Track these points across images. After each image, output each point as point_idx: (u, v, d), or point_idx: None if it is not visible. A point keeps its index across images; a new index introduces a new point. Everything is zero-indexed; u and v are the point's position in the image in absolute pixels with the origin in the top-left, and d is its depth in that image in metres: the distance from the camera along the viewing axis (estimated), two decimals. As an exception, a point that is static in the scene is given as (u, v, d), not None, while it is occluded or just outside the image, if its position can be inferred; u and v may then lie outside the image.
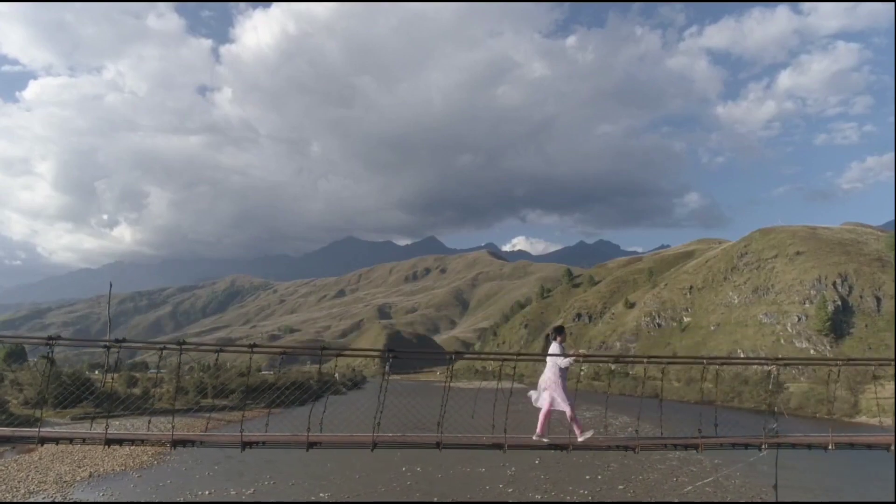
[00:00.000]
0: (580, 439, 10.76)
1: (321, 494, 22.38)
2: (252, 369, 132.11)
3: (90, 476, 25.65)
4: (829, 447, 11.75)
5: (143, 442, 11.90)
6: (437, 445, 10.84)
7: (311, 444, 10.54)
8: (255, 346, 11.44)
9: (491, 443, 11.10)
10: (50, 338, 10.96)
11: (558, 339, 11.30)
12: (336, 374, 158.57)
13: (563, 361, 10.93)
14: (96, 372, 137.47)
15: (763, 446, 11.80)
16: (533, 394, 11.22)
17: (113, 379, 52.77)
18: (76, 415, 42.98)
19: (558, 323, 11.86)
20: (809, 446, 12.05)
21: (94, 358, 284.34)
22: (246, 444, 10.83)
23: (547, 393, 10.97)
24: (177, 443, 11.27)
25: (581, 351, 12.24)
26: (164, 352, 12.24)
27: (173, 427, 11.04)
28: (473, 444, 11.53)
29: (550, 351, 11.02)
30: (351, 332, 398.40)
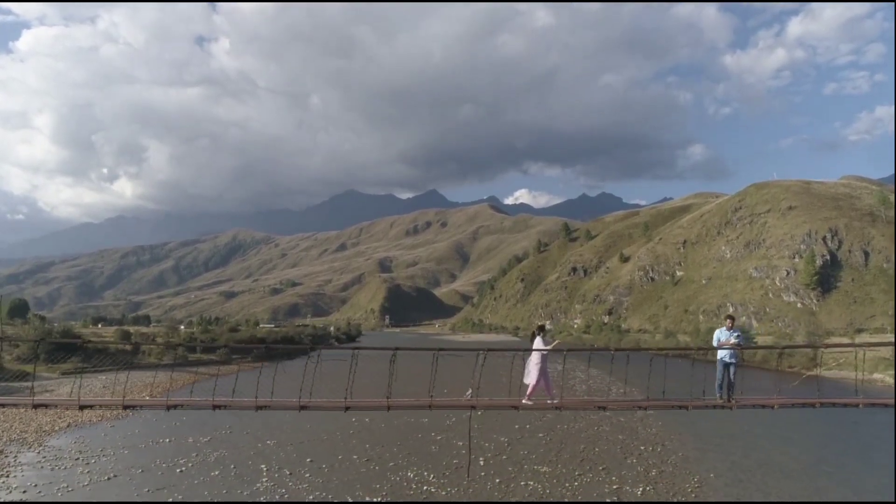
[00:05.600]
0: (549, 402, 13.87)
1: (268, 442, 24.05)
2: (250, 322, 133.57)
3: (68, 426, 27.24)
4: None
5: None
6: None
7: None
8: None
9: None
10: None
11: (541, 334, 14.18)
12: (332, 328, 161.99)
13: (545, 350, 13.93)
14: (99, 325, 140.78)
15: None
16: (526, 374, 14.24)
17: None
18: (66, 370, 44.61)
19: (541, 323, 15.96)
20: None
21: (98, 312, 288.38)
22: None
23: (533, 372, 13.88)
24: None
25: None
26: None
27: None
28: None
29: (535, 344, 13.88)
30: (352, 285, 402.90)
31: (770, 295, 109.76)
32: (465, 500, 16.37)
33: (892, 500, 15.90)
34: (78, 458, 21.57)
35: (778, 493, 18.32)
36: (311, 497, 17.38)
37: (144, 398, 28.03)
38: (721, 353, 13.51)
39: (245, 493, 17.68)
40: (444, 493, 17.85)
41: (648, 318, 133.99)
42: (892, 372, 44.88)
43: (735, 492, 18.42)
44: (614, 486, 18.62)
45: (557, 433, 26.49)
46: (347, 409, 12.67)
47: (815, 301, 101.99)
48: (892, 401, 13.17)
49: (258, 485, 18.58)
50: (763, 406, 13.13)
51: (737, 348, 13.49)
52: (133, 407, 12.65)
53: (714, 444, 24.95)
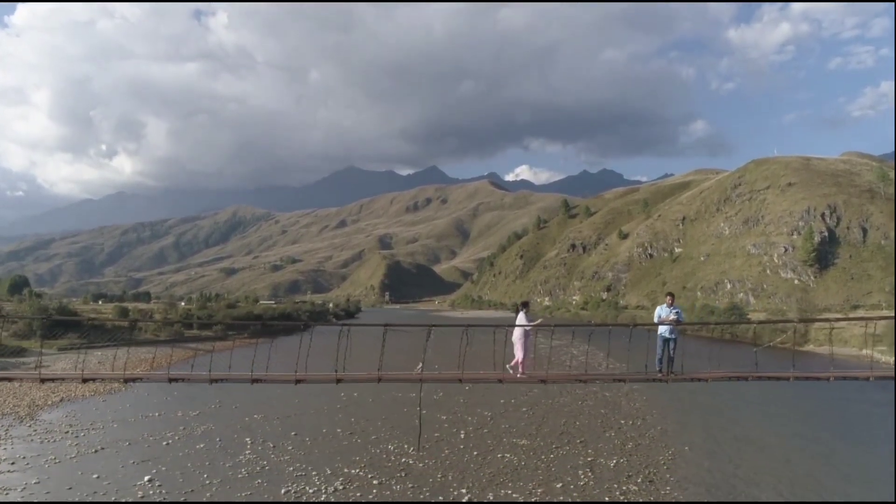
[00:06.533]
0: (518, 375, 14.23)
1: (255, 416, 24.52)
2: (249, 299, 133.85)
3: (61, 401, 27.72)
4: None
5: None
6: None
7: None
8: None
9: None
10: None
11: (524, 310, 14.52)
12: (330, 305, 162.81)
13: (527, 328, 14.28)
14: (99, 302, 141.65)
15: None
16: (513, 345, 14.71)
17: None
18: (62, 346, 45.14)
19: (525, 299, 16.51)
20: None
21: (99, 288, 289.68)
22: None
23: (517, 345, 14.31)
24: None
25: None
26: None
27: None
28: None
29: (519, 319, 14.27)
30: (352, 261, 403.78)
31: (768, 271, 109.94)
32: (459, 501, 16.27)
33: (892, 500, 16.16)
34: (68, 432, 22.04)
35: (747, 465, 18.73)
36: (290, 469, 17.80)
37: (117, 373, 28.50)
38: (661, 329, 13.95)
39: (227, 465, 18.10)
40: (421, 465, 18.28)
41: (646, 294, 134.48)
42: (884, 348, 45.23)
43: (706, 464, 18.83)
44: (589, 459, 19.04)
45: (542, 408, 26.93)
46: (298, 381, 13.00)
47: (812, 277, 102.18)
48: (824, 375, 13.34)
49: (241, 457, 19.02)
50: (698, 380, 13.54)
51: (675, 325, 13.89)
52: (93, 380, 12.98)
53: (696, 419, 25.40)
